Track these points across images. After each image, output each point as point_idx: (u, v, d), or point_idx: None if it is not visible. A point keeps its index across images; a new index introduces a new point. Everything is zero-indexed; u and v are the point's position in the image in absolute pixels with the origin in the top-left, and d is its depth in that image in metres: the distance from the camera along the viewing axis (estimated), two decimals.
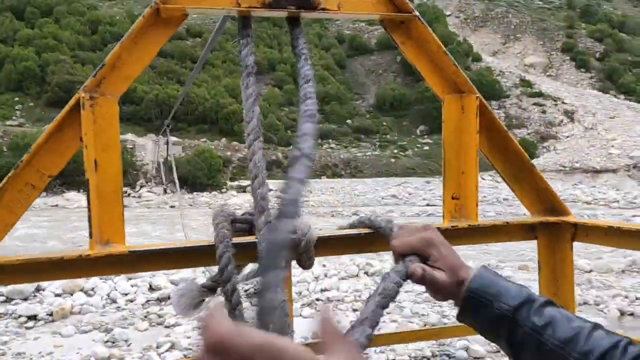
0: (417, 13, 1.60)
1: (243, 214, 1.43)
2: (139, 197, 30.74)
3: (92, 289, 8.42)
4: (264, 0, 1.39)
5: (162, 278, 9.05)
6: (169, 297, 8.16)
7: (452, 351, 6.64)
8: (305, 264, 1.35)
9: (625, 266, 11.67)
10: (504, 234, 1.78)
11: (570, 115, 54.65)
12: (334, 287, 8.94)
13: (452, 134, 1.70)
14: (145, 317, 7.51)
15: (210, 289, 1.33)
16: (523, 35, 77.07)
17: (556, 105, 56.87)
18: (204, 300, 1.36)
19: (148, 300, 8.15)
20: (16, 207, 1.39)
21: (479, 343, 6.50)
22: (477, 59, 67.43)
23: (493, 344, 7.21)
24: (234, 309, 1.23)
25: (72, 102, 1.40)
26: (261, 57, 60.16)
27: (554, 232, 1.79)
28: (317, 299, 8.47)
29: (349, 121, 54.71)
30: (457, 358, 6.54)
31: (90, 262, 1.35)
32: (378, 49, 71.19)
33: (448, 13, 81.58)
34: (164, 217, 22.84)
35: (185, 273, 9.31)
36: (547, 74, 69.62)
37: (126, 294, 8.30)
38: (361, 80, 66.86)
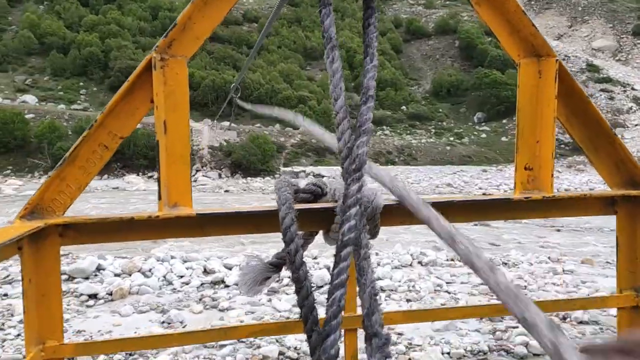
0: None
1: (307, 185, 1.44)
2: (195, 181, 31.41)
3: (150, 270, 8.57)
4: None
5: (216, 262, 9.11)
6: (222, 281, 8.20)
7: (511, 346, 6.33)
8: (372, 232, 1.32)
9: None
10: (581, 208, 1.67)
11: (639, 102, 51.67)
12: (386, 276, 8.74)
13: (527, 100, 1.60)
14: (200, 299, 7.58)
15: (275, 265, 1.35)
16: (591, 18, 73.15)
17: (625, 91, 53.86)
18: (269, 277, 1.38)
19: (202, 284, 8.22)
20: (90, 167, 1.41)
21: None
22: None
23: None
24: (297, 270, 1.22)
25: (143, 63, 1.41)
26: (317, 42, 59.93)
27: (636, 206, 1.65)
28: None
29: (404, 107, 53.81)
30: (516, 354, 6.22)
31: (159, 224, 1.37)
32: (435, 33, 69.47)
33: None
34: (219, 201, 23.21)
35: (240, 258, 9.34)
36: (617, 58, 65.92)
37: (181, 277, 8.41)
38: (417, 66, 65.50)
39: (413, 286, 8.39)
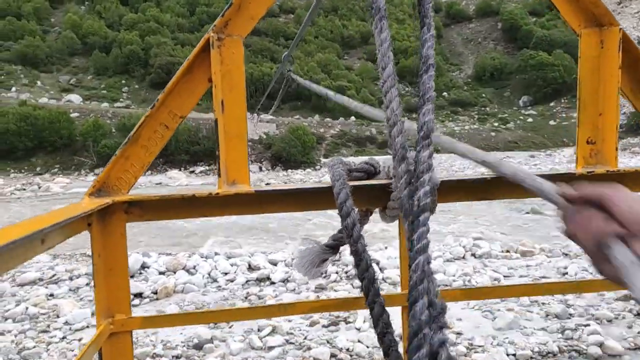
0: None
1: (360, 164, 1.44)
2: None
3: (194, 267, 8.37)
4: None
5: (261, 257, 8.84)
6: (268, 278, 7.93)
7: (583, 347, 5.77)
8: (430, 208, 1.29)
9: None
10: None
11: None
12: (440, 270, 8.26)
13: (589, 72, 1.54)
14: (246, 297, 7.34)
15: (332, 247, 1.37)
16: None
17: None
18: (327, 259, 1.39)
19: (248, 281, 7.97)
20: (152, 146, 1.45)
21: (614, 339, 5.59)
22: None
23: (630, 339, 6.08)
24: (356, 242, 1.22)
25: (201, 43, 1.43)
26: (354, 30, 59.27)
27: None
28: None
29: (445, 94, 52.60)
30: (589, 355, 5.66)
31: (219, 200, 1.40)
32: (477, 16, 67.57)
33: None
34: None
35: (284, 255, 9.03)
36: None
37: (226, 274, 8.18)
38: (458, 50, 63.92)
39: (469, 280, 7.89)
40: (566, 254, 10.33)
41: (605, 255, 0.80)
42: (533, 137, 42.91)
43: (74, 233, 1.27)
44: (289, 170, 32.99)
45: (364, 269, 1.23)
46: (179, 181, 29.15)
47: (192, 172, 33.21)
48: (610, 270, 0.79)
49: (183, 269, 8.15)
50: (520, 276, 8.23)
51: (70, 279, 8.04)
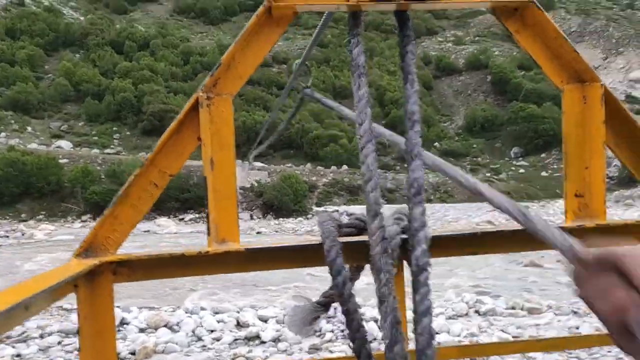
0: None
1: (349, 219, 1.45)
2: None
3: (178, 324, 7.72)
4: None
5: (251, 313, 8.21)
6: (258, 336, 7.30)
7: None
8: None
9: None
10: (638, 236, 1.46)
11: None
12: (443, 329, 7.65)
13: (573, 127, 1.60)
14: (233, 359, 6.71)
15: (323, 304, 1.39)
16: (626, 49, 71.65)
17: None
18: (318, 317, 1.40)
19: (235, 339, 7.33)
20: (141, 205, 1.48)
21: None
22: None
23: None
24: (347, 301, 1.21)
25: (191, 101, 1.48)
26: (345, 81, 60.06)
27: None
28: None
29: (437, 144, 52.83)
30: None
31: (208, 259, 1.43)
32: (466, 69, 68.91)
33: None
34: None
35: (275, 310, 8.39)
36: None
37: (212, 331, 7.54)
38: (449, 102, 64.77)
39: (477, 342, 7.30)
40: (575, 312, 9.76)
41: (628, 331, 0.70)
42: (526, 188, 42.81)
43: (60, 297, 1.27)
44: (281, 219, 32.40)
45: (355, 329, 1.21)
46: (167, 229, 28.46)
47: (182, 219, 32.54)
48: (635, 348, 0.70)
49: (165, 325, 7.50)
50: (530, 336, 7.66)
51: (41, 336, 7.34)
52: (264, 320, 7.81)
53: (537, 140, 49.80)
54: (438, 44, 75.69)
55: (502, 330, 7.72)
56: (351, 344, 1.22)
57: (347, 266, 1.26)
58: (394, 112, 50.69)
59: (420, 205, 1.23)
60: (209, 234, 1.46)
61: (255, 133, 43.73)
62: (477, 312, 9.10)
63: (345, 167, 43.54)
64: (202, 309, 8.16)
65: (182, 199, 32.56)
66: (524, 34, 1.57)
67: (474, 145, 54.29)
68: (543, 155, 48.98)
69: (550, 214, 32.40)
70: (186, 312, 8.00)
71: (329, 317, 7.73)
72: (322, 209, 34.54)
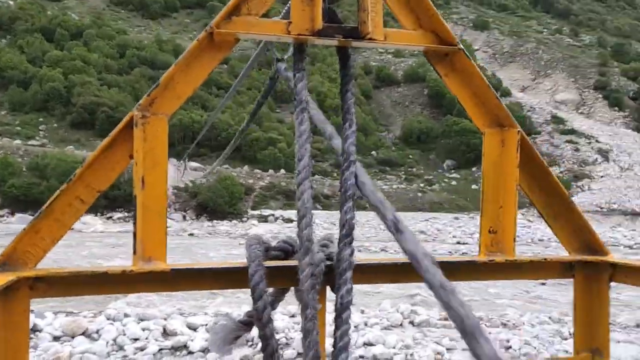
0: (461, 46, 1.61)
1: (278, 243, 1.46)
2: None
3: (97, 332, 7.09)
4: (314, 28, 1.43)
5: (179, 321, 7.69)
6: (185, 346, 6.82)
7: None
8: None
9: None
10: (541, 271, 1.82)
11: (604, 154, 52.72)
12: (379, 341, 7.46)
13: (491, 168, 1.71)
14: None
15: (246, 324, 1.38)
16: (554, 72, 75.65)
17: (590, 143, 55.04)
18: (240, 336, 1.40)
19: (161, 349, 6.81)
20: (65, 220, 1.45)
21: None
22: (507, 94, 66.18)
23: None
24: (264, 327, 1.24)
25: (125, 119, 1.46)
26: (286, 85, 59.78)
27: (592, 271, 1.80)
28: (362, 357, 6.99)
29: (374, 153, 53.50)
30: None
31: (133, 278, 1.40)
32: (405, 81, 70.40)
33: (476, 48, 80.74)
34: (183, 245, 21.58)
35: (206, 318, 7.91)
36: (579, 111, 67.85)
37: (136, 340, 6.97)
38: (387, 112, 65.87)
39: (411, 354, 7.15)
40: (505, 324, 9.89)
41: None
42: (457, 200, 44.04)
43: None
44: (215, 221, 31.58)
45: (269, 354, 1.25)
46: (93, 227, 27.07)
47: (110, 218, 31.08)
48: None
49: (83, 333, 6.85)
50: (464, 349, 7.61)
51: None
52: (193, 328, 7.33)
53: (469, 154, 51.43)
54: (379, 54, 76.95)
55: (437, 343, 7.64)
56: None
57: (269, 290, 1.29)
58: (334, 119, 50.70)
59: (349, 246, 1.25)
60: (134, 252, 1.43)
61: (192, 132, 42.59)
62: (411, 322, 9.02)
63: (282, 171, 43.21)
64: (126, 315, 7.55)
65: (111, 196, 31.06)
66: (452, 78, 1.65)
67: (410, 156, 55.40)
68: (474, 169, 50.65)
69: (477, 225, 33.41)
70: (108, 319, 7.37)
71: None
72: (257, 212, 34.03)
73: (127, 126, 1.45)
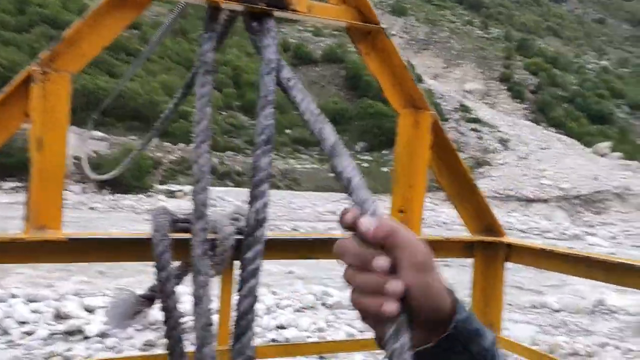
0: (384, 25, 1.66)
1: (186, 214, 1.40)
2: None
3: None
4: None
5: (74, 302, 7.12)
6: (80, 331, 6.31)
7: None
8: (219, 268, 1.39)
9: (592, 306, 11.02)
10: (443, 250, 1.93)
11: (504, 143, 55.95)
12: (292, 324, 7.35)
13: (404, 148, 1.79)
14: (47, 358, 5.69)
15: (148, 298, 1.35)
16: (464, 62, 78.91)
17: (492, 132, 58.12)
18: (141, 311, 1.35)
19: (53, 334, 6.27)
20: None
21: None
22: (419, 80, 68.27)
23: None
24: (167, 298, 1.20)
25: (22, 76, 1.37)
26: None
27: (490, 251, 1.92)
28: (274, 340, 6.84)
29: (288, 131, 53.28)
30: None
31: (24, 247, 1.32)
32: (323, 60, 70.43)
33: (393, 32, 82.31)
34: (84, 220, 20.31)
35: (105, 300, 7.40)
36: (485, 101, 71.40)
37: (23, 323, 6.35)
38: None
39: (325, 338, 7.11)
40: None
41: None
42: (369, 182, 44.75)
43: None
44: (118, 195, 30.07)
45: (171, 327, 1.23)
46: None
47: (0, 188, 28.69)
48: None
49: None
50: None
51: None
52: (91, 310, 6.80)
53: (381, 137, 52.60)
54: (298, 32, 76.35)
55: (349, 325, 7.64)
56: (166, 340, 1.19)
57: (173, 263, 1.22)
58: (250, 95, 50.00)
59: (267, 155, 1.19)
60: (26, 219, 1.34)
61: (96, 99, 40.03)
62: (324, 304, 9.00)
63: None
64: (13, 296, 6.84)
65: (2, 163, 28.66)
66: (372, 57, 1.69)
67: None
68: (385, 151, 51.94)
69: (387, 207, 34.35)
70: None
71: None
72: (165, 187, 32.87)
73: (24, 83, 1.34)
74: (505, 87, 72.95)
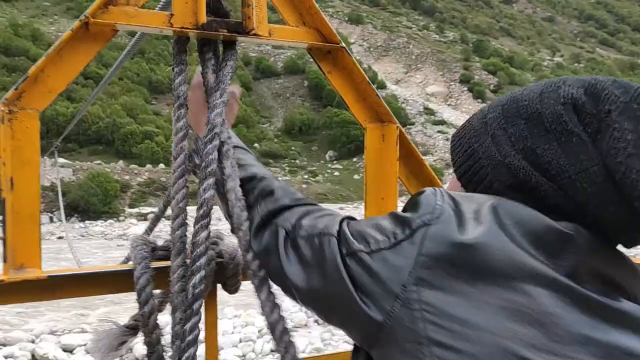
0: (343, 44, 1.67)
1: (165, 241, 1.40)
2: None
3: None
4: (197, 22, 1.38)
5: (50, 343, 6.84)
6: None
7: None
8: (232, 289, 1.39)
9: None
10: None
11: None
12: None
13: (373, 161, 1.78)
14: None
15: (132, 328, 1.32)
16: (424, 66, 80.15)
17: None
18: (125, 342, 1.33)
19: None
20: None
21: None
22: (382, 86, 68.96)
23: None
24: (150, 333, 1.22)
25: None
26: (162, 75, 57.45)
27: None
28: None
29: (256, 145, 53.10)
30: None
31: (4, 288, 1.31)
32: (285, 72, 70.59)
33: (352, 41, 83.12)
34: (51, 251, 19.77)
35: (84, 337, 7.16)
36: (448, 103, 72.60)
37: None
38: (268, 104, 65.68)
39: None
40: None
41: None
42: (340, 190, 45.08)
43: None
44: (87, 222, 29.41)
45: None
46: None
47: None
48: None
49: None
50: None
51: None
52: (70, 350, 6.57)
53: (349, 145, 52.83)
54: (257, 45, 76.36)
55: (347, 342, 7.60)
56: None
57: (155, 294, 1.25)
58: None
59: (205, 229, 1.21)
60: (4, 260, 1.36)
61: (57, 126, 39.19)
62: (316, 321, 8.85)
63: (161, 165, 41.34)
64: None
65: None
66: (335, 75, 1.68)
67: (292, 148, 55.72)
68: (355, 159, 52.18)
69: (362, 215, 34.44)
70: None
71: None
72: (135, 210, 32.34)
73: None
74: (466, 88, 74.43)
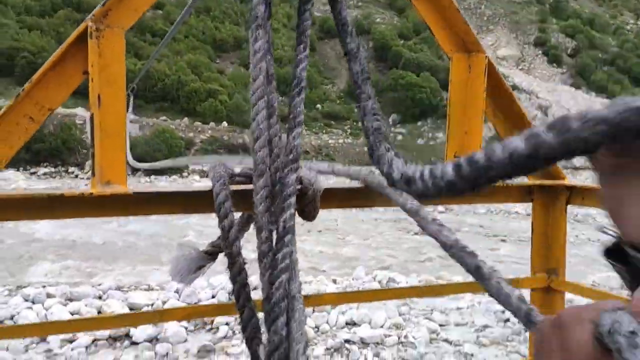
0: None
1: (242, 169, 1.40)
2: (88, 178, 27.34)
3: (12, 317, 5.53)
4: None
5: (117, 301, 6.22)
6: (127, 334, 5.44)
7: None
8: (312, 215, 1.40)
9: None
10: (503, 195, 1.87)
11: (544, 110, 53.75)
12: (364, 320, 6.34)
13: (458, 93, 1.73)
14: None
15: (210, 254, 1.35)
16: (496, 27, 75.96)
17: (530, 99, 55.88)
18: (204, 266, 1.34)
19: (95, 340, 5.40)
20: (13, 140, 1.37)
21: None
22: None
23: None
24: (231, 245, 1.21)
25: (78, 31, 1.36)
26: (227, 34, 57.06)
27: (550, 195, 1.89)
28: (347, 341, 5.85)
29: (319, 106, 52.12)
30: None
31: (92, 201, 1.32)
32: None
33: None
34: None
35: (150, 296, 6.52)
36: (520, 67, 68.71)
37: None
38: (332, 65, 64.18)
39: (405, 336, 6.09)
40: None
41: None
42: (404, 155, 43.62)
43: None
44: (153, 177, 29.59)
45: (236, 272, 1.20)
46: (16, 183, 24.55)
47: (34, 173, 28.44)
48: None
49: None
50: (457, 324, 6.66)
51: None
52: (137, 309, 5.93)
53: (414, 109, 50.98)
54: (323, 5, 74.56)
55: (428, 318, 6.62)
56: (232, 286, 1.19)
57: (234, 213, 1.21)
58: (276, 70, 48.73)
59: (295, 172, 1.23)
60: (93, 174, 1.35)
61: (126, 82, 39.43)
62: None
63: (225, 124, 41.15)
64: (49, 295, 5.94)
65: (35, 149, 28.35)
66: (422, 1, 1.66)
67: (355, 110, 54.33)
68: (419, 123, 50.36)
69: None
70: (26, 300, 5.80)
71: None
72: (198, 167, 32.27)
73: (80, 40, 1.32)
74: (541, 52, 69.95)
